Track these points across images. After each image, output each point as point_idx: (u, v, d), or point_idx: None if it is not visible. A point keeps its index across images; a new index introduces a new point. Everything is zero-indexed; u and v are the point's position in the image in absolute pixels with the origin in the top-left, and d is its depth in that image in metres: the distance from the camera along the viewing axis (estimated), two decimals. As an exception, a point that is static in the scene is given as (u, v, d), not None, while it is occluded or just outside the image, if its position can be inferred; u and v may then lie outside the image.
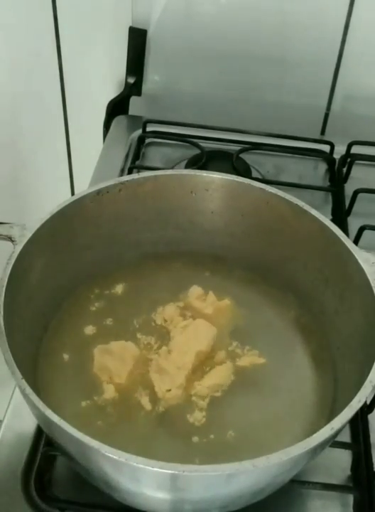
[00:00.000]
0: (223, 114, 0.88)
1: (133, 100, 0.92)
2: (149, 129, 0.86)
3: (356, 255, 0.51)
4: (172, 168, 0.82)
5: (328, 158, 0.85)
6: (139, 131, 0.86)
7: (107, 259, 0.60)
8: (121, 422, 0.49)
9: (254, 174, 0.82)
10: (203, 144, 0.84)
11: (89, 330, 0.56)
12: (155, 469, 0.38)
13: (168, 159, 0.84)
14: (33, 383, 0.48)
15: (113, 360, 0.52)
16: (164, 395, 0.51)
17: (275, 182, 0.78)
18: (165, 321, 0.57)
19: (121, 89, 0.91)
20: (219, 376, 0.53)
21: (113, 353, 0.53)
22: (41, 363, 0.53)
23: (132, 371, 0.52)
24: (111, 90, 0.93)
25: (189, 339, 0.54)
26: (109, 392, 0.51)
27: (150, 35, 0.87)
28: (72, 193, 1.09)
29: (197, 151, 0.82)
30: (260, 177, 0.82)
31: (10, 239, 0.51)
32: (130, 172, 0.78)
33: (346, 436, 0.55)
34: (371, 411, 0.56)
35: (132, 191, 0.58)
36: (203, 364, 0.53)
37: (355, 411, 0.42)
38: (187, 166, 0.81)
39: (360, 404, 0.42)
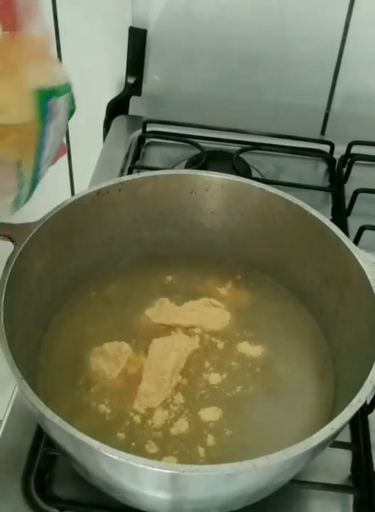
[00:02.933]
0: (223, 114, 0.88)
1: (133, 100, 0.92)
2: (149, 129, 0.86)
3: (356, 255, 0.51)
4: (172, 168, 0.82)
5: (328, 158, 0.85)
6: (139, 131, 0.86)
7: (107, 259, 0.60)
8: (118, 420, 0.50)
9: (254, 174, 0.82)
10: (203, 143, 0.84)
11: (89, 330, 0.56)
12: (155, 469, 0.38)
13: (168, 159, 0.84)
14: (33, 383, 0.49)
15: (107, 362, 0.53)
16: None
17: (275, 182, 0.78)
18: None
19: (121, 89, 0.91)
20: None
21: (107, 354, 0.53)
22: (41, 362, 0.53)
23: (125, 369, 0.52)
24: (111, 90, 0.93)
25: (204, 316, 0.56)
26: (105, 392, 0.51)
27: (150, 35, 0.87)
28: (72, 193, 1.09)
29: (197, 151, 0.82)
30: (260, 177, 0.82)
31: (10, 239, 0.51)
32: (130, 172, 0.78)
33: (346, 436, 0.55)
34: (371, 411, 0.56)
35: (132, 191, 0.58)
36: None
37: (355, 411, 0.42)
38: (187, 166, 0.81)
39: (360, 404, 0.42)
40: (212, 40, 0.86)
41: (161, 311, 0.57)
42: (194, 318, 0.56)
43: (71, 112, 0.46)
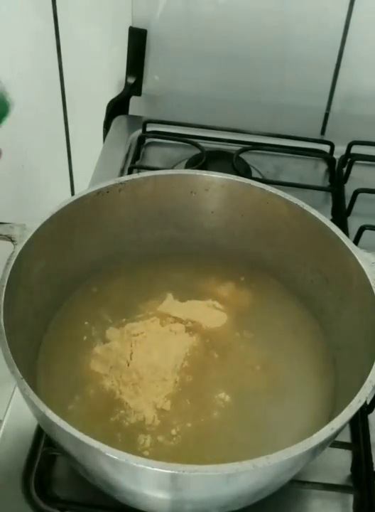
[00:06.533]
0: (223, 114, 0.88)
1: (133, 100, 0.92)
2: (149, 129, 0.86)
3: (356, 255, 0.51)
4: (172, 168, 0.82)
5: (328, 158, 0.85)
6: (139, 131, 0.86)
7: (107, 259, 0.60)
8: (119, 420, 0.49)
9: (254, 174, 0.82)
10: (203, 143, 0.84)
11: (89, 329, 0.56)
12: (155, 469, 0.38)
13: (168, 159, 0.84)
14: (33, 383, 0.49)
15: (107, 361, 0.53)
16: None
17: (275, 182, 0.78)
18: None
19: (121, 89, 0.91)
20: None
21: (107, 353, 0.53)
22: (41, 362, 0.53)
23: (125, 369, 0.52)
24: (111, 90, 0.93)
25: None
26: (105, 392, 0.51)
27: (150, 35, 0.87)
28: (72, 193, 1.09)
29: (197, 151, 0.82)
30: (260, 177, 0.82)
31: (10, 239, 0.51)
32: (130, 172, 0.78)
33: (346, 436, 0.55)
34: (371, 411, 0.56)
35: (132, 191, 0.58)
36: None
37: (355, 411, 0.42)
38: (187, 166, 0.81)
39: (360, 404, 0.42)
40: (212, 40, 0.86)
41: (162, 308, 0.57)
42: (196, 316, 0.57)
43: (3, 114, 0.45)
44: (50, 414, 0.40)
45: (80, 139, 1.02)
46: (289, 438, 0.45)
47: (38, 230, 0.51)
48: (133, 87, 0.90)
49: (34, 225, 0.51)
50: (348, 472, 0.53)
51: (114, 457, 0.38)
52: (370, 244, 0.62)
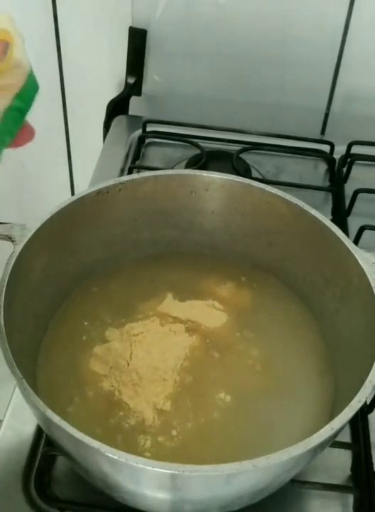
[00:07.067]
0: (223, 114, 0.88)
1: (133, 100, 0.92)
2: (149, 129, 0.86)
3: (356, 255, 0.51)
4: (172, 168, 0.82)
5: (328, 158, 0.85)
6: (139, 131, 0.86)
7: (107, 259, 0.60)
8: (119, 420, 0.49)
9: (254, 174, 0.82)
10: (203, 143, 0.84)
11: (89, 330, 0.56)
12: (155, 469, 0.38)
13: (168, 159, 0.84)
14: (33, 383, 0.49)
15: (107, 361, 0.53)
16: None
17: (275, 182, 0.78)
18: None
19: (121, 89, 0.91)
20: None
21: (107, 353, 0.53)
22: (41, 362, 0.53)
23: (125, 368, 0.52)
24: (111, 90, 0.93)
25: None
26: (105, 392, 0.51)
27: (150, 35, 0.87)
28: (72, 193, 1.09)
29: (197, 151, 0.82)
30: (260, 177, 0.82)
31: (10, 239, 0.51)
32: (130, 172, 0.78)
33: (346, 436, 0.55)
34: (371, 411, 0.56)
35: (132, 191, 0.58)
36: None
37: (355, 411, 0.42)
38: (187, 166, 0.81)
39: (360, 404, 0.42)
40: (212, 40, 0.86)
41: (162, 308, 0.57)
42: (195, 315, 0.57)
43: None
44: (50, 414, 0.40)
45: (80, 139, 1.02)
46: (289, 438, 0.45)
47: (38, 230, 0.51)
48: (133, 87, 0.90)
49: (34, 225, 0.51)
50: (348, 472, 0.53)
51: (114, 457, 0.38)
52: (370, 244, 0.62)
